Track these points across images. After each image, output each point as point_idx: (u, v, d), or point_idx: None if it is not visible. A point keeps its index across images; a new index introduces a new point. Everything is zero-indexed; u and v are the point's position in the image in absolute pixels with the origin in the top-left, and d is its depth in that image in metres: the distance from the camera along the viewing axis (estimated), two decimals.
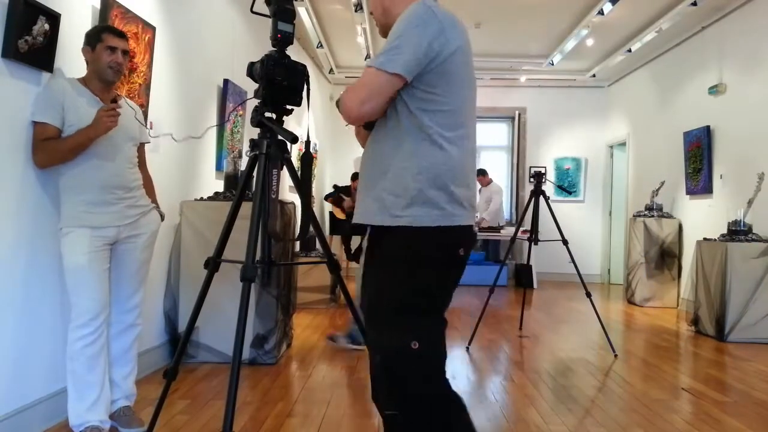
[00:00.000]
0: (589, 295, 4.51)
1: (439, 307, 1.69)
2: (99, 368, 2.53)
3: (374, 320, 1.71)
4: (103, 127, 2.44)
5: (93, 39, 2.58)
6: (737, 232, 5.32)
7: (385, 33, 1.76)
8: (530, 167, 9.33)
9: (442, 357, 1.67)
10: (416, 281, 1.62)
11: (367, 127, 1.76)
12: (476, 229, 1.76)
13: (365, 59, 8.12)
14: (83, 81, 2.58)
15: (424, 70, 1.59)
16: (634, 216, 7.30)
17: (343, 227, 8.76)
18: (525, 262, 5.70)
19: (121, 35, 2.63)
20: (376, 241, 1.71)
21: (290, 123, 6.66)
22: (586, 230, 9.39)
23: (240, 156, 4.93)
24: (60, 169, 2.52)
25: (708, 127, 6.32)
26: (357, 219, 1.73)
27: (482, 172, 8.62)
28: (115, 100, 2.53)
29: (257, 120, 2.11)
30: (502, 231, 8.57)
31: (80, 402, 2.49)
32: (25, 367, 2.57)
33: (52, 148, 2.47)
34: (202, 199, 4.08)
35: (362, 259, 2.47)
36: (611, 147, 9.34)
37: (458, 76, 1.64)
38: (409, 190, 1.61)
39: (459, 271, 1.71)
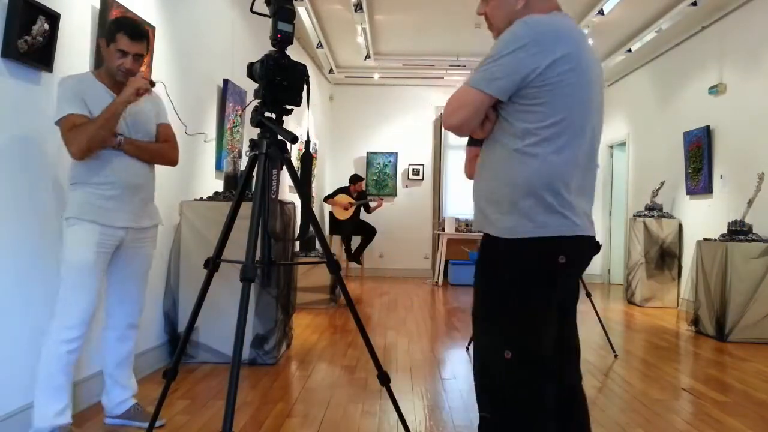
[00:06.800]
0: (589, 295, 4.50)
1: (533, 319, 1.67)
2: (71, 374, 2.47)
3: (474, 326, 1.78)
4: (129, 91, 2.40)
5: (108, 35, 2.50)
6: (737, 232, 5.31)
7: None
8: None
9: (540, 366, 1.66)
10: (505, 291, 1.66)
11: (473, 143, 1.82)
12: (595, 239, 1.82)
13: (365, 59, 8.13)
14: (98, 74, 2.54)
15: (521, 86, 1.61)
16: (634, 216, 7.29)
17: (344, 227, 8.77)
18: None
19: (136, 37, 2.47)
20: (482, 247, 1.77)
21: (290, 123, 6.65)
22: None
23: (240, 156, 4.92)
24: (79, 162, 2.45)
25: (708, 127, 6.32)
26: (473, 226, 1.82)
27: None
28: (153, 83, 2.56)
29: (257, 120, 2.11)
30: None
31: (49, 407, 2.39)
32: (25, 366, 2.57)
33: (84, 129, 2.35)
34: (201, 199, 4.08)
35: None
36: (611, 147, 9.33)
37: (563, 85, 1.62)
38: (502, 200, 1.67)
39: (559, 280, 1.70)
